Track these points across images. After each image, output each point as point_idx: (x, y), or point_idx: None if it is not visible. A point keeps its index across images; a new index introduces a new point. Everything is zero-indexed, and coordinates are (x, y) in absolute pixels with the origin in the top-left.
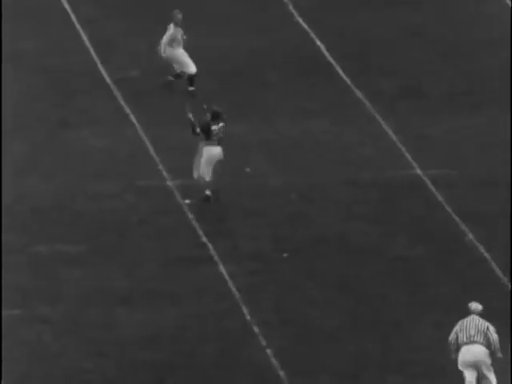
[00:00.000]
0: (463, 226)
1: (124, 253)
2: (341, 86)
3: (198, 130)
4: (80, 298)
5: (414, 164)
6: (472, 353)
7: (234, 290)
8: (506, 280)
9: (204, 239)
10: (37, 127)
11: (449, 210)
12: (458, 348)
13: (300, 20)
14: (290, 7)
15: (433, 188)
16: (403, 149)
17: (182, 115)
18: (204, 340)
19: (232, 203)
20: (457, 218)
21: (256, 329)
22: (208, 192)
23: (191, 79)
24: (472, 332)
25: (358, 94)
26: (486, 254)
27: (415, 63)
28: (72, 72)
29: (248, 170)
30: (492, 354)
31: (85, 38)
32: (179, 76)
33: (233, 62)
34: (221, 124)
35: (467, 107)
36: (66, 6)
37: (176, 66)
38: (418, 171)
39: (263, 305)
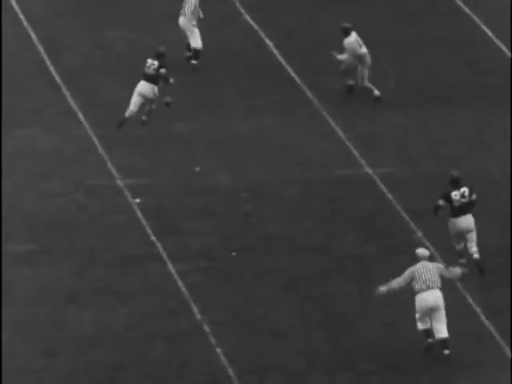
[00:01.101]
0: (412, 224)
1: (74, 252)
2: (290, 84)
3: None
4: (30, 297)
5: (363, 162)
6: (431, 298)
7: (183, 288)
8: None
9: (153, 238)
10: None
11: (398, 208)
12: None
13: (248, 18)
14: (238, 5)
15: (382, 186)
16: (352, 147)
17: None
18: (154, 339)
19: (181, 202)
20: (406, 216)
21: (206, 327)
22: (127, 114)
23: (197, 53)
24: (428, 278)
25: (308, 92)
26: (435, 252)
27: None
28: (20, 71)
29: (198, 169)
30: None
31: (33, 36)
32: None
33: (181, 60)
34: (156, 62)
35: (415, 104)
36: (15, 5)
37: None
38: (368, 169)
39: (213, 303)
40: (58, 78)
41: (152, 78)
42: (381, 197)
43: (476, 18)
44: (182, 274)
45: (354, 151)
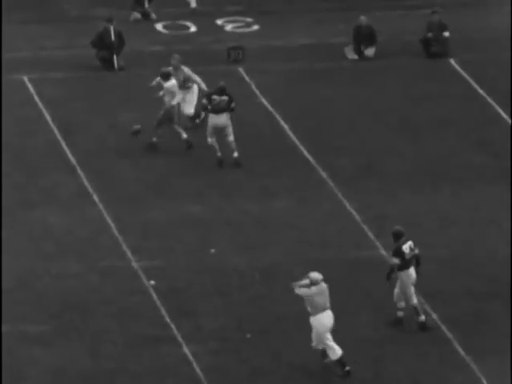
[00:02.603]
0: (427, 306)
1: (87, 333)
2: (304, 165)
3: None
4: (43, 378)
5: (378, 244)
6: (328, 319)
7: (197, 370)
8: (468, 359)
9: (168, 319)
10: None
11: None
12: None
13: (263, 100)
14: (253, 87)
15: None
16: (366, 228)
17: (146, 195)
18: None
19: (196, 283)
20: (421, 298)
21: None
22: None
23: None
24: (325, 300)
25: (321, 173)
26: (449, 334)
27: (375, 142)
28: (35, 152)
29: (213, 250)
30: None
31: (48, 117)
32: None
33: (194, 140)
34: (224, 97)
35: (428, 185)
36: (30, 86)
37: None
38: (382, 251)
39: None
40: (72, 159)
41: (223, 110)
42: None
43: (490, 100)
44: (196, 355)
45: (369, 232)
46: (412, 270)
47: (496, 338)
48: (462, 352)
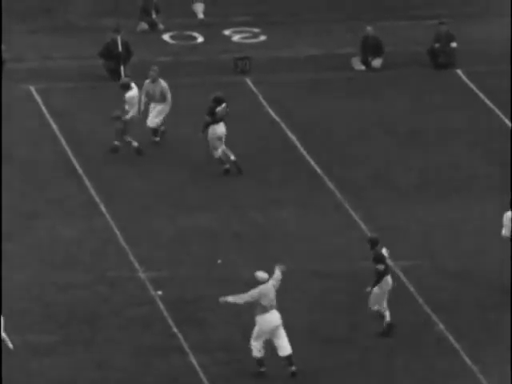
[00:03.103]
0: (434, 317)
1: (95, 343)
2: (311, 175)
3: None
4: None
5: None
6: (274, 319)
7: (205, 380)
8: (475, 369)
9: (175, 330)
10: (6, 218)
11: (420, 300)
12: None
13: (270, 110)
14: (260, 98)
15: (404, 279)
16: None
17: (154, 205)
18: None
19: (203, 294)
20: (428, 309)
21: None
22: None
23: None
24: (271, 298)
25: (329, 184)
26: (456, 345)
27: (383, 152)
28: (42, 162)
29: (220, 261)
30: None
31: (55, 128)
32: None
33: (202, 151)
34: (223, 105)
35: (436, 196)
36: (37, 97)
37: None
38: (389, 262)
39: None
40: (79, 169)
41: (223, 118)
42: (403, 289)
43: (497, 111)
44: (203, 365)
45: None
46: (390, 277)
47: (504, 348)
48: (469, 362)
